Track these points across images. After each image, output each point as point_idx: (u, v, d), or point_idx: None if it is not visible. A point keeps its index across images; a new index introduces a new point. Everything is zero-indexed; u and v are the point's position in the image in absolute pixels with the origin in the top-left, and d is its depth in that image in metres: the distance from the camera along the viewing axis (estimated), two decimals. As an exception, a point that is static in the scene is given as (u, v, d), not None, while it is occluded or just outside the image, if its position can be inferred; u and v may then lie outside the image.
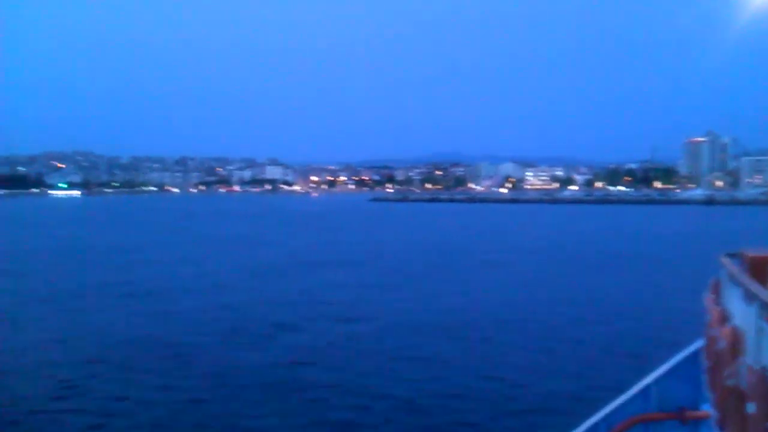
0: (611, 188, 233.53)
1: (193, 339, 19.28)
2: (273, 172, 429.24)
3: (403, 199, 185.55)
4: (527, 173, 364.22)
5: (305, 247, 49.11)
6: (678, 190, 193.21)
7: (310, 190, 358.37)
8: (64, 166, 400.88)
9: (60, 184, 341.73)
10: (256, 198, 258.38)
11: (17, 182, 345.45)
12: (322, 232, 66.89)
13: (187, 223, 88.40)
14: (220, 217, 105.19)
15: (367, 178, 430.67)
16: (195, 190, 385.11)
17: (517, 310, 24.01)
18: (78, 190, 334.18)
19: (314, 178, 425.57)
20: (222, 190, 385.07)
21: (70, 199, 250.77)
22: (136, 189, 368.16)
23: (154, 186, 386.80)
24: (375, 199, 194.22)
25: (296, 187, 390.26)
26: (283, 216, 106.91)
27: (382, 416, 13.11)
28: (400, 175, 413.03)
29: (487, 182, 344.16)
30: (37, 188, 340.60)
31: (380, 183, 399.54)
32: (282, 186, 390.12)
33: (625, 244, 51.36)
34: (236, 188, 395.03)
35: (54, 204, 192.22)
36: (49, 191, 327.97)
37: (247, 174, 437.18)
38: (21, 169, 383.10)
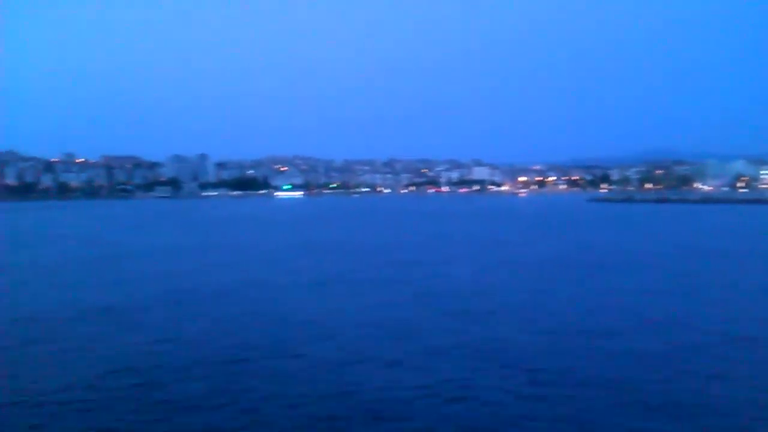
0: None
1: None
2: (480, 172, 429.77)
3: (627, 200, 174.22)
4: (762, 172, 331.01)
5: (562, 249, 46.49)
6: None
7: (519, 191, 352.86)
8: (286, 168, 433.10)
9: (284, 186, 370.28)
10: (468, 198, 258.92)
11: (247, 184, 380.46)
12: (561, 233, 63.70)
13: (417, 222, 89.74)
14: (448, 217, 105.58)
15: (577, 178, 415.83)
16: (405, 191, 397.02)
17: None
18: (300, 191, 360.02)
19: (522, 179, 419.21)
20: (431, 190, 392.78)
21: (295, 200, 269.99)
22: (351, 190, 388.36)
23: (367, 187, 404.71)
24: (594, 200, 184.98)
25: (504, 188, 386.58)
26: (507, 216, 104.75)
27: None
28: (615, 175, 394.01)
29: (716, 181, 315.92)
30: (264, 189, 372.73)
31: (593, 183, 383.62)
32: (490, 186, 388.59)
33: None
34: (444, 189, 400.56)
35: (283, 204, 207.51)
36: (275, 192, 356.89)
37: (454, 175, 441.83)
38: (249, 172, 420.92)
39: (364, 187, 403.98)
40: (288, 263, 39.61)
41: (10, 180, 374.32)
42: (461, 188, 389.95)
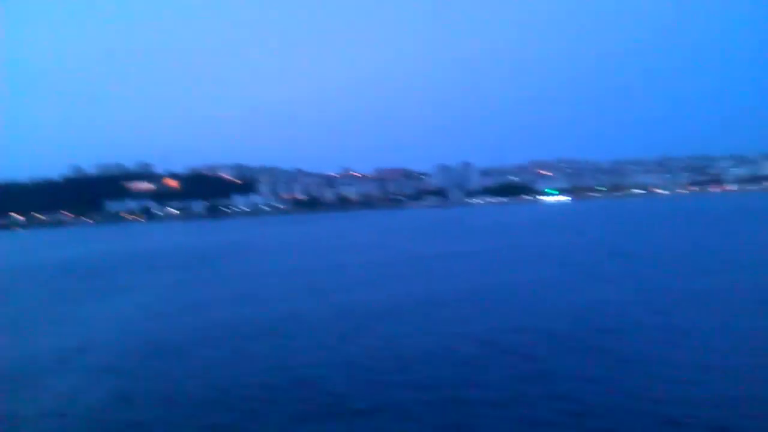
0: None
1: None
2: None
3: None
4: None
5: None
6: None
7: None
8: (550, 173, 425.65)
9: (550, 191, 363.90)
10: (761, 196, 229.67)
11: (511, 190, 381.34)
12: None
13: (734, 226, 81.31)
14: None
15: None
16: (684, 191, 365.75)
17: None
18: (566, 195, 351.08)
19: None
20: (714, 189, 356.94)
21: (562, 204, 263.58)
22: (622, 192, 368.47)
23: (640, 189, 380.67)
24: None
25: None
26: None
27: None
28: None
29: None
30: (529, 195, 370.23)
31: None
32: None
33: None
34: (730, 187, 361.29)
35: (551, 209, 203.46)
36: (540, 198, 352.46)
37: (740, 171, 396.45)
38: (513, 178, 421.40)
39: (636, 189, 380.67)
40: (596, 268, 38.09)
41: (299, 194, 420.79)
42: (750, 185, 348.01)
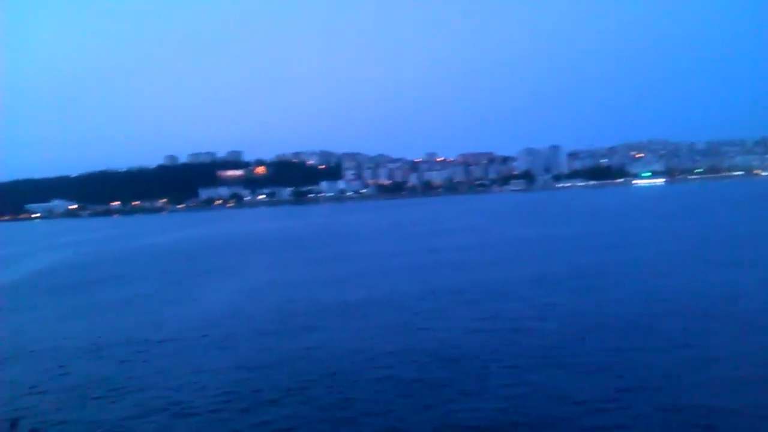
0: None
1: None
2: None
3: None
4: None
5: None
6: None
7: None
8: (642, 155, 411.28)
9: (643, 173, 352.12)
10: None
11: (602, 173, 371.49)
12: None
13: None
14: None
15: None
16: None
17: None
18: (660, 177, 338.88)
19: None
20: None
21: (656, 188, 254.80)
22: (721, 174, 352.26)
23: (739, 170, 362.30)
24: None
25: None
26: None
27: None
28: None
29: None
30: (620, 178, 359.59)
31: None
32: None
33: None
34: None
35: (645, 193, 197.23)
36: (633, 181, 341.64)
37: None
38: (603, 160, 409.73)
39: (735, 171, 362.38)
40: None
41: (383, 179, 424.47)
42: None
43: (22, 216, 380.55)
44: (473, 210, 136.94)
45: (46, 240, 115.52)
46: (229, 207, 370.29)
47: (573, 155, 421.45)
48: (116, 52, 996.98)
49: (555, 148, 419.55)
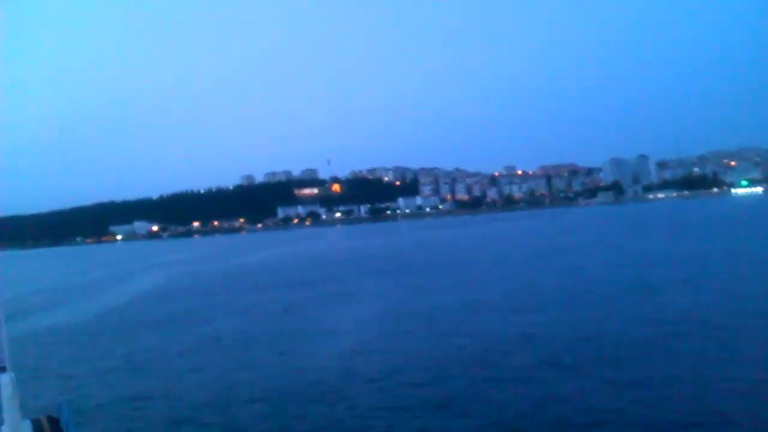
0: None
1: None
2: None
3: None
4: None
5: None
6: None
7: None
8: (735, 163, 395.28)
9: (741, 182, 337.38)
10: None
11: (695, 183, 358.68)
12: None
13: None
14: None
15: None
16: None
17: None
18: (758, 186, 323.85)
19: None
20: None
21: (756, 197, 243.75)
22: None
23: None
24: None
25: None
26: None
27: None
28: None
29: None
30: (714, 188, 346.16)
31: None
32: None
33: None
34: None
35: (745, 203, 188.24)
36: (732, 190, 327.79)
37: None
38: (695, 170, 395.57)
39: None
40: None
41: (461, 194, 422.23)
42: None
43: (105, 238, 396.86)
44: (572, 224, 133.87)
45: (134, 262, 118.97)
46: (307, 225, 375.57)
47: (662, 165, 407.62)
48: (192, 71, 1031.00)
49: (643, 158, 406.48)
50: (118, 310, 44.52)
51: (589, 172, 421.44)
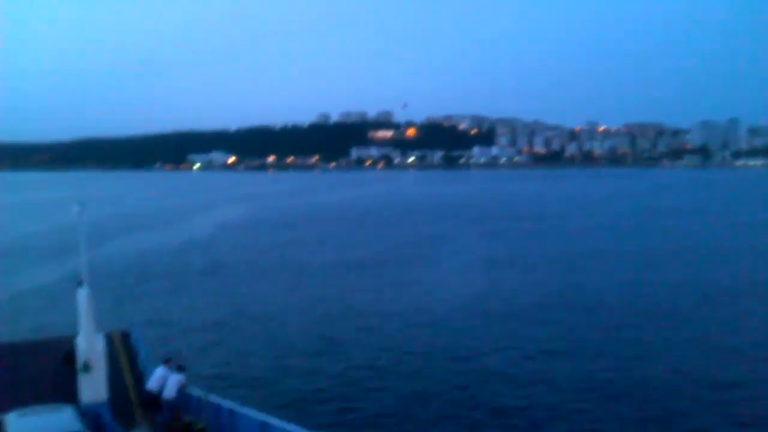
0: None
1: None
2: None
3: None
4: None
5: None
6: None
7: None
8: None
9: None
10: None
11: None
12: None
13: None
14: None
15: None
16: None
17: None
18: None
19: None
20: None
21: None
22: None
23: None
24: None
25: None
26: None
27: None
28: None
29: None
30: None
31: None
32: None
33: None
34: None
35: None
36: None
37: None
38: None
39: None
40: None
41: (539, 148, 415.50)
42: None
43: (183, 166, 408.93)
44: (662, 186, 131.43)
45: (219, 192, 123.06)
46: (379, 168, 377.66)
47: (754, 131, 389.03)
48: (275, 9, 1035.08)
49: (734, 122, 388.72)
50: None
51: (676, 133, 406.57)
